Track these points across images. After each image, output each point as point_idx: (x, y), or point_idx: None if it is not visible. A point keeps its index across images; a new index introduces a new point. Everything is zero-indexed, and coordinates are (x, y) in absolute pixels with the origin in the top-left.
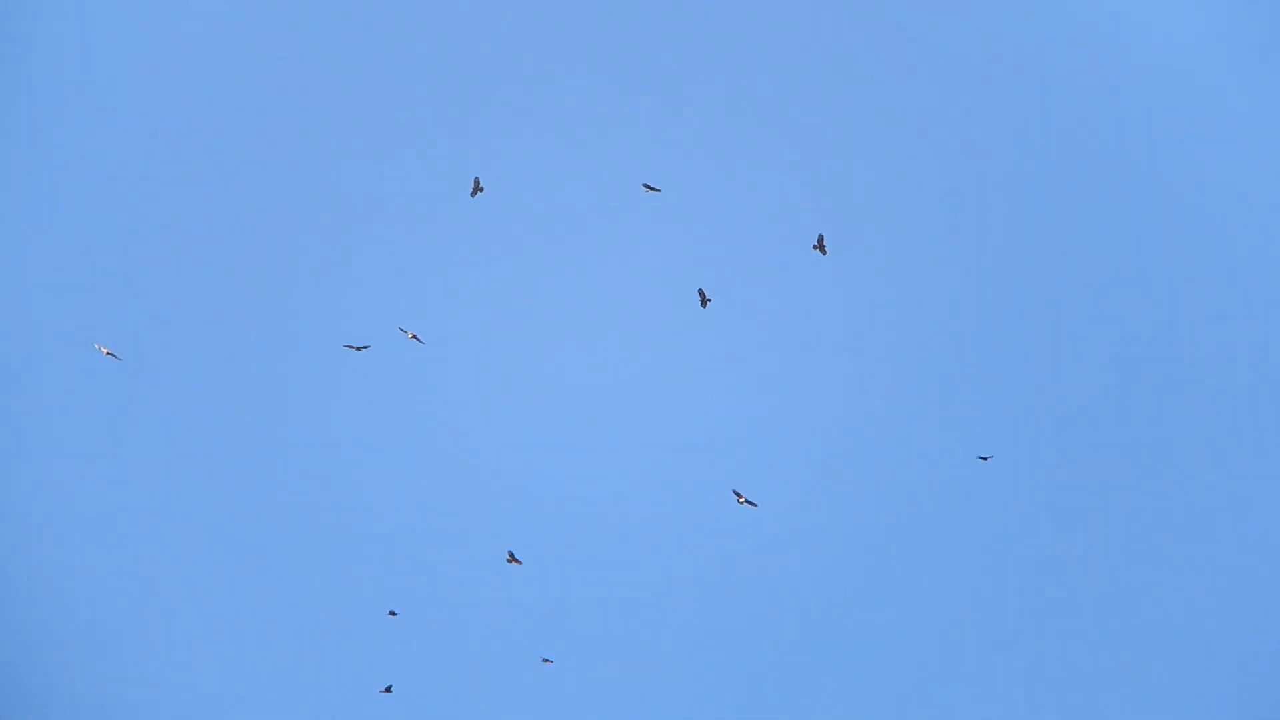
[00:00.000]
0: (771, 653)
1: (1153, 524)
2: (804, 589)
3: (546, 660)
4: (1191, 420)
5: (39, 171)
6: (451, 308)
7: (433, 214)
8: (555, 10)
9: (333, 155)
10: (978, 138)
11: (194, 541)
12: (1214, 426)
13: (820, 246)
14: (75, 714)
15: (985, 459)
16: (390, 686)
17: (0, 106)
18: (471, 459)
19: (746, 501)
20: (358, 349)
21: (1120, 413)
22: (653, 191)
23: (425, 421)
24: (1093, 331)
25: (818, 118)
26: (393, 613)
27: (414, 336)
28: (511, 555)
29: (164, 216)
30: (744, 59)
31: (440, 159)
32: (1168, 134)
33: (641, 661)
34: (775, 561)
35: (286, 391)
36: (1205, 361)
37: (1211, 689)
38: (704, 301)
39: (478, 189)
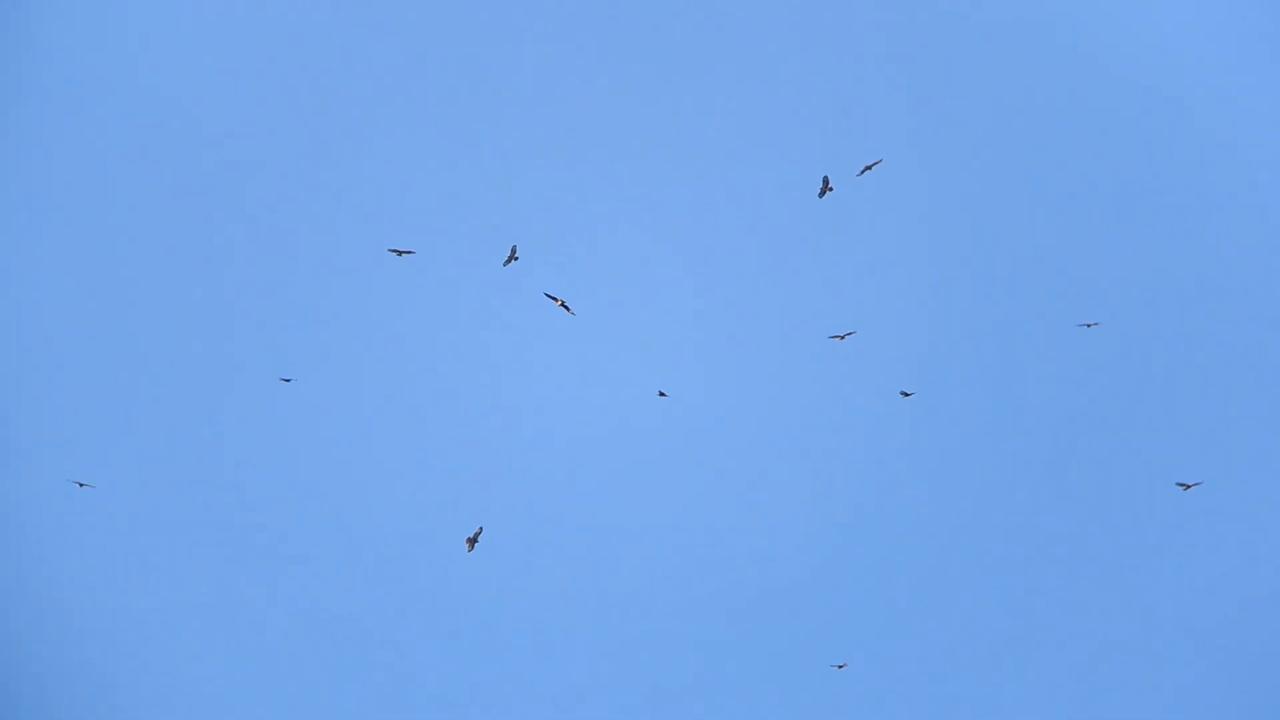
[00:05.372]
0: (766, 647)
1: (1148, 523)
2: (797, 584)
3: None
4: (1189, 419)
5: (42, 172)
6: (451, 308)
7: (432, 215)
8: (561, 12)
9: (335, 156)
10: (976, 138)
11: (194, 540)
12: (1213, 425)
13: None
14: (74, 713)
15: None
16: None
17: (1, 106)
18: (473, 457)
19: (563, 305)
20: (400, 253)
21: (1117, 412)
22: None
23: (426, 419)
24: (1090, 329)
25: (816, 119)
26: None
27: (564, 305)
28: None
29: (168, 213)
30: (742, 62)
31: (442, 160)
32: (1167, 132)
33: (637, 657)
34: (770, 558)
35: (288, 391)
36: (1204, 361)
37: (1207, 687)
38: (825, 189)
39: (513, 258)
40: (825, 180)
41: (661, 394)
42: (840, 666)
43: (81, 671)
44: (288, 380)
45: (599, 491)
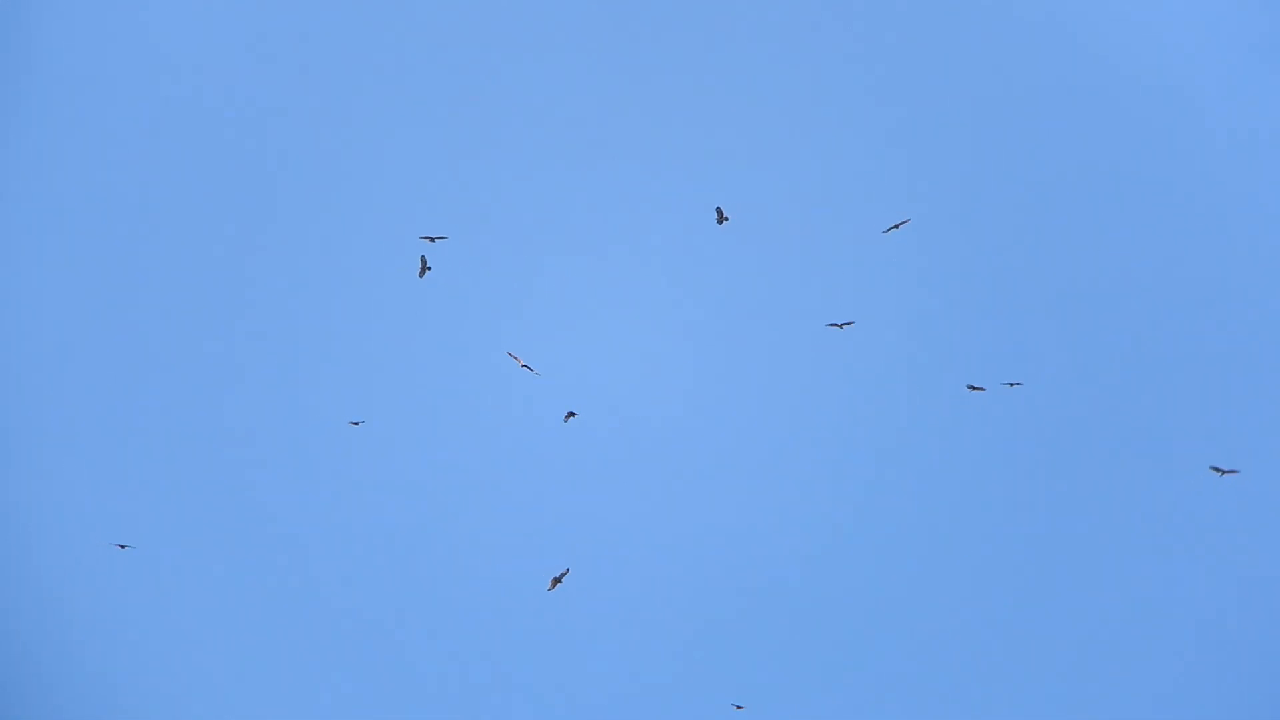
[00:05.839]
0: (765, 647)
1: (1148, 521)
2: (796, 584)
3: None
4: (1188, 419)
5: (43, 172)
6: (450, 307)
7: (430, 216)
8: (560, 9)
9: (337, 158)
10: (973, 138)
11: (196, 541)
12: (1213, 425)
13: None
14: (74, 713)
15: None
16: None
17: (2, 105)
18: (473, 457)
19: (525, 366)
20: (433, 239)
21: (1117, 412)
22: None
23: (427, 418)
24: (1088, 328)
25: (813, 119)
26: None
27: (525, 366)
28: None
29: (171, 212)
30: (743, 57)
31: (440, 160)
32: (1165, 133)
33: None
34: (768, 559)
35: (289, 393)
36: (1202, 361)
37: (1204, 685)
38: (721, 219)
39: (425, 269)
40: (719, 210)
41: (571, 414)
42: (738, 707)
43: (81, 671)
44: (357, 424)
45: (598, 492)
